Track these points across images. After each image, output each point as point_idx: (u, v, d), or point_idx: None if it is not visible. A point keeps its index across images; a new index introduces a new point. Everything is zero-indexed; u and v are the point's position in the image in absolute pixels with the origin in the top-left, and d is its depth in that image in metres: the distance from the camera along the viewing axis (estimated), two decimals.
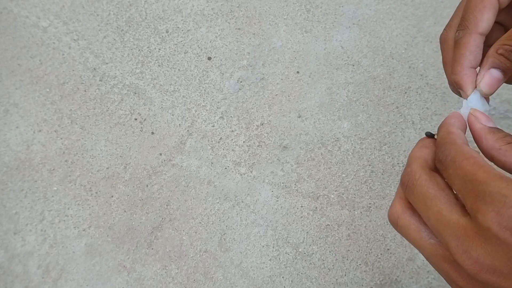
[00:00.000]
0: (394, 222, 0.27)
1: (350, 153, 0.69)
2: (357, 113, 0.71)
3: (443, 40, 0.35)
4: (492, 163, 0.27)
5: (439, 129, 0.29)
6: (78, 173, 0.70)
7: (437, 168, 0.27)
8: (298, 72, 0.74)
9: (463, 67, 0.32)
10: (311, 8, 0.79)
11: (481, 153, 0.26)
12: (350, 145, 0.69)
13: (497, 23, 0.35)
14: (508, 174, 0.25)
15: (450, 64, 0.34)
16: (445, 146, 0.26)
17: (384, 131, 0.70)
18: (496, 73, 0.31)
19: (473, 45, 0.32)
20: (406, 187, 0.26)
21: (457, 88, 0.33)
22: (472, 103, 0.32)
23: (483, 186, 0.22)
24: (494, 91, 0.32)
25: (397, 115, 0.71)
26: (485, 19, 0.32)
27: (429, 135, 0.30)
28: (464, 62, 0.32)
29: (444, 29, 0.35)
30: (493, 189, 0.22)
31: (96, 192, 0.68)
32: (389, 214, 0.27)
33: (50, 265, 0.65)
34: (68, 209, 0.68)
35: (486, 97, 0.32)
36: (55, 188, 0.69)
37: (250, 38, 0.77)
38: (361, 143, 0.69)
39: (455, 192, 0.25)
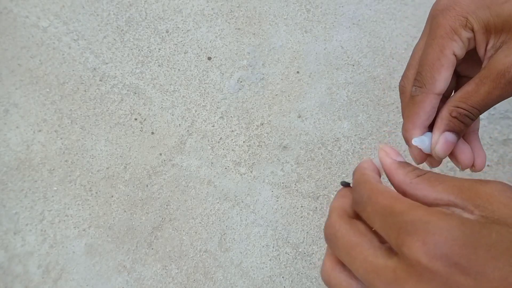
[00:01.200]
0: (327, 282, 0.24)
1: (350, 153, 0.69)
2: (357, 113, 0.71)
3: (401, 90, 0.34)
4: None
5: (353, 174, 0.27)
6: (78, 173, 0.70)
7: (357, 215, 0.25)
8: (298, 72, 0.74)
9: (415, 125, 0.32)
10: (311, 8, 0.79)
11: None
12: (350, 145, 0.69)
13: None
14: None
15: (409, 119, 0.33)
16: (359, 187, 0.25)
17: (384, 131, 0.70)
18: (450, 137, 0.31)
19: (428, 105, 0.31)
20: (329, 241, 0.24)
21: (406, 143, 0.33)
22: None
23: (403, 217, 0.21)
24: (447, 155, 0.32)
25: (397, 115, 0.71)
26: (442, 78, 0.31)
27: (345, 184, 0.28)
28: (417, 121, 0.32)
29: (401, 78, 0.34)
30: (413, 218, 0.20)
31: (96, 192, 0.68)
32: (322, 274, 0.25)
33: (50, 265, 0.65)
34: (68, 209, 0.68)
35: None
36: (55, 188, 0.69)
37: (250, 38, 0.77)
38: (361, 143, 0.69)
39: (378, 234, 0.23)
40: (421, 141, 0.32)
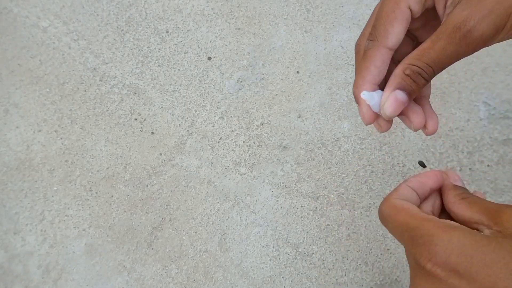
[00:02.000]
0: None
1: (350, 153, 0.69)
2: (357, 113, 0.71)
3: (356, 49, 0.34)
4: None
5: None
6: (78, 173, 0.70)
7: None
8: (298, 72, 0.74)
9: (365, 81, 0.32)
10: (311, 8, 0.79)
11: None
12: (350, 145, 0.69)
13: (408, 35, 0.33)
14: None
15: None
16: (383, 206, 0.30)
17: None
18: (401, 96, 0.30)
19: (379, 59, 0.31)
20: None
21: (356, 101, 0.33)
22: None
23: (415, 231, 0.26)
24: (396, 114, 0.31)
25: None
26: (395, 32, 0.30)
27: (422, 164, 0.34)
28: (367, 76, 0.31)
29: (358, 37, 0.34)
30: (423, 232, 0.26)
31: (96, 192, 0.68)
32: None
33: (50, 265, 0.65)
34: (68, 209, 0.68)
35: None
36: (55, 188, 0.69)
37: (250, 38, 0.77)
38: (361, 143, 0.69)
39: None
40: (370, 96, 0.31)
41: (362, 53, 0.32)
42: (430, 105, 0.34)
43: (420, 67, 0.29)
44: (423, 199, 0.32)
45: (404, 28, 0.31)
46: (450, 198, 0.30)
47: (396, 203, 0.29)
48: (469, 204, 0.29)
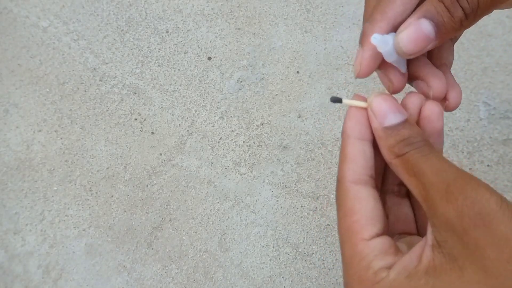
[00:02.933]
0: None
1: None
2: None
3: None
4: None
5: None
6: (78, 173, 0.70)
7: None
8: (298, 72, 0.74)
9: (385, 17, 0.23)
10: (311, 8, 0.79)
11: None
12: None
13: None
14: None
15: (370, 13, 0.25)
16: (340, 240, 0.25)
17: None
18: (426, 27, 0.22)
19: None
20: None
21: (361, 40, 0.25)
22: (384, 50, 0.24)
23: (353, 254, 0.23)
24: (416, 53, 0.23)
25: None
26: None
27: (335, 100, 0.25)
28: (389, 11, 0.23)
29: None
30: (359, 258, 0.23)
31: (96, 192, 0.68)
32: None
33: (50, 265, 0.65)
34: (68, 209, 0.68)
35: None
36: (55, 188, 0.69)
37: (250, 38, 0.77)
38: None
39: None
40: (383, 40, 0.23)
41: None
42: (452, 75, 0.27)
43: None
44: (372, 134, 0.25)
45: None
46: (384, 155, 0.24)
47: (349, 196, 0.23)
48: (405, 170, 0.22)
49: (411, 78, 0.26)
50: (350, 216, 0.23)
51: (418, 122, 0.26)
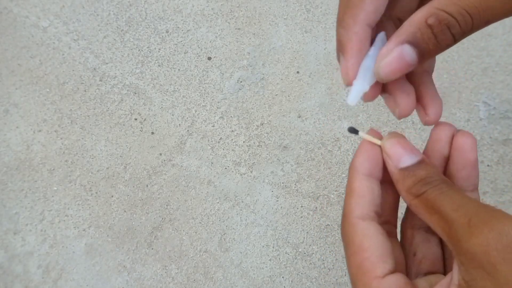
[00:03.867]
0: None
1: (350, 153, 0.69)
2: (357, 113, 0.71)
3: None
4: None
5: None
6: (78, 173, 0.70)
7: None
8: (298, 72, 0.74)
9: (357, 20, 0.22)
10: (311, 8, 0.79)
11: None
12: (350, 145, 0.69)
13: None
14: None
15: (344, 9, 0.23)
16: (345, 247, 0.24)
17: (384, 131, 0.70)
18: (409, 53, 0.21)
19: None
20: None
21: (339, 49, 0.23)
22: (359, 78, 0.23)
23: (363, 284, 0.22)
24: (395, 78, 0.22)
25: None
26: None
27: (352, 131, 0.25)
28: (360, 13, 0.21)
29: None
30: None
31: (96, 192, 0.68)
32: None
33: (50, 265, 0.65)
34: (68, 209, 0.68)
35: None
36: (55, 188, 0.69)
37: (250, 38, 0.77)
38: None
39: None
40: (356, 93, 0.23)
41: None
42: (433, 84, 0.25)
43: (453, 16, 0.20)
44: (382, 172, 0.24)
45: None
46: (403, 195, 0.23)
47: (357, 232, 0.23)
48: (426, 209, 0.21)
49: (382, 90, 0.25)
50: (360, 253, 0.22)
51: (449, 154, 0.24)
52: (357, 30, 0.22)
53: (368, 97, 0.24)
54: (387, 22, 0.24)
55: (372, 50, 0.22)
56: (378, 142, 0.25)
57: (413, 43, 0.21)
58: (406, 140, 0.24)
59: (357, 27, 0.22)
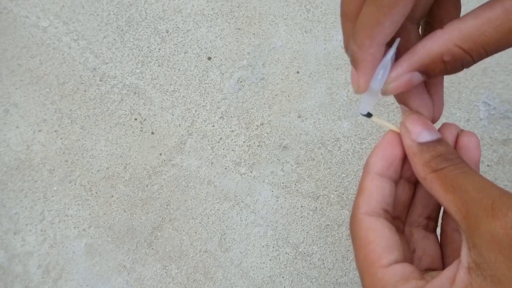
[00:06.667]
0: None
1: (350, 153, 0.69)
2: (357, 113, 0.71)
3: None
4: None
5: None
6: (78, 173, 0.70)
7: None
8: (298, 72, 0.74)
9: (375, 41, 0.21)
10: (311, 8, 0.79)
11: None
12: (350, 145, 0.69)
13: None
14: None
15: (352, 18, 0.22)
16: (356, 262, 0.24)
17: (384, 131, 0.70)
18: (417, 79, 0.22)
19: (401, 11, 0.20)
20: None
21: (352, 63, 0.23)
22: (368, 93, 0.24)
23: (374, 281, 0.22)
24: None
25: (397, 115, 0.71)
26: None
27: (368, 115, 0.25)
28: (378, 34, 0.21)
29: None
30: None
31: (96, 192, 0.68)
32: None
33: (50, 265, 0.65)
34: (68, 209, 0.68)
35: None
36: (55, 188, 0.69)
37: (250, 38, 0.77)
38: (361, 143, 0.69)
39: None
40: (367, 102, 0.24)
41: None
42: (442, 86, 0.25)
43: (470, 54, 0.20)
44: (399, 171, 0.25)
45: None
46: (418, 169, 0.22)
47: (362, 227, 0.23)
48: (443, 185, 0.21)
49: (399, 100, 0.25)
50: (365, 246, 0.23)
51: None
52: (373, 52, 0.22)
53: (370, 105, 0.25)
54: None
55: (384, 62, 0.23)
56: (394, 127, 0.24)
57: (423, 71, 0.22)
58: (426, 118, 0.24)
59: (373, 48, 0.22)
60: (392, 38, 0.22)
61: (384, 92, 0.23)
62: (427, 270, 0.25)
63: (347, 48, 0.23)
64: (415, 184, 0.26)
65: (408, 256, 0.24)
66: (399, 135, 0.24)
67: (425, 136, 0.23)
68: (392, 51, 0.22)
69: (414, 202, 0.26)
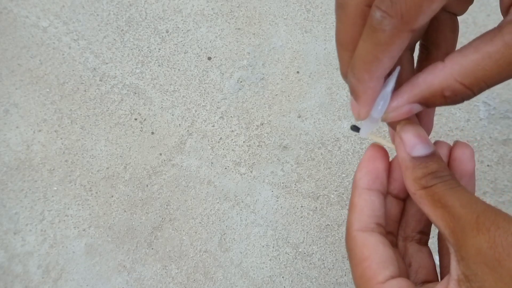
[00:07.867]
0: None
1: (350, 153, 0.69)
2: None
3: (342, 3, 0.21)
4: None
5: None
6: (78, 173, 0.70)
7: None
8: (298, 72, 0.74)
9: (373, 75, 0.21)
10: (311, 8, 0.79)
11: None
12: (350, 145, 0.69)
13: None
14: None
15: (348, 47, 0.22)
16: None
17: (384, 131, 0.70)
18: (416, 109, 0.23)
19: (397, 48, 0.20)
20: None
21: (352, 95, 0.23)
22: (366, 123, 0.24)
23: None
24: None
25: None
26: (429, 10, 0.19)
27: (354, 129, 0.26)
28: (377, 69, 0.21)
29: None
30: None
31: (96, 192, 0.68)
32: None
33: (50, 265, 0.65)
34: (68, 209, 0.68)
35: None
36: (55, 188, 0.69)
37: (250, 38, 0.77)
38: (361, 143, 0.69)
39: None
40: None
41: (351, 13, 0.21)
42: (434, 111, 0.26)
43: (471, 89, 0.21)
44: (385, 182, 0.25)
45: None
46: (408, 184, 0.22)
47: (357, 244, 0.24)
48: (431, 202, 0.21)
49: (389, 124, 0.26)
50: (361, 263, 0.23)
51: (448, 164, 0.25)
52: (373, 85, 0.22)
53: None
54: None
55: (385, 94, 0.23)
56: (382, 142, 0.25)
57: (423, 103, 0.22)
58: (422, 129, 0.24)
59: (372, 82, 0.22)
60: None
61: (384, 120, 0.24)
62: (423, 283, 0.26)
63: (345, 75, 0.23)
64: (404, 200, 0.27)
65: (404, 270, 0.25)
66: (381, 148, 0.25)
67: (419, 150, 0.23)
68: (391, 83, 0.23)
69: (407, 218, 0.27)
